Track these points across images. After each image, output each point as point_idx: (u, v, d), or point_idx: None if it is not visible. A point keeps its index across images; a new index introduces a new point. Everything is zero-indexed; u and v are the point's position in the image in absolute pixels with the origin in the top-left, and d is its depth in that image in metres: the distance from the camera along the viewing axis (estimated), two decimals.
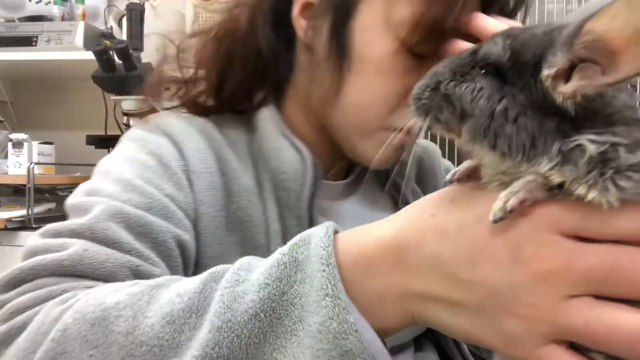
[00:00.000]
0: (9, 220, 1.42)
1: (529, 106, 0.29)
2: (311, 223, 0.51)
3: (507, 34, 0.31)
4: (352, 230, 0.35)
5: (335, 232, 0.35)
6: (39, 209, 1.54)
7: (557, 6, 1.67)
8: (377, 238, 0.33)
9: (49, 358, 0.32)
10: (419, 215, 0.33)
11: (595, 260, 0.27)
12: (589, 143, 0.27)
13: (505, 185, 0.30)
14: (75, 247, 0.40)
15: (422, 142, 0.72)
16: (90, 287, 0.37)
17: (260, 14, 0.55)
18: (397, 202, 0.62)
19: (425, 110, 0.33)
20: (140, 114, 1.62)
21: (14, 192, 1.68)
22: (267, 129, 0.54)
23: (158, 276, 0.41)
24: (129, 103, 1.60)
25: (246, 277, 0.34)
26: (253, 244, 0.51)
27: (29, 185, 1.47)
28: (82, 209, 0.44)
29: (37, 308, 0.36)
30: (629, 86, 0.31)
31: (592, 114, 0.28)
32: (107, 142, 1.70)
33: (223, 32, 0.56)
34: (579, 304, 0.27)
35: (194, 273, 0.43)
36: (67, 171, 1.82)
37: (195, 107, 0.59)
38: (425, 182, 0.67)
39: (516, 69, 0.30)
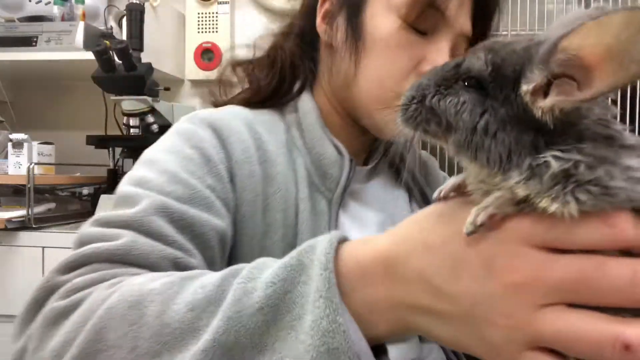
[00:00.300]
0: (9, 220, 1.42)
1: (508, 120, 0.31)
2: (340, 205, 0.60)
3: (489, 49, 0.33)
4: (355, 242, 0.38)
5: (343, 240, 0.38)
6: (39, 209, 1.54)
7: (557, 6, 1.67)
8: (372, 251, 0.36)
9: (94, 330, 0.37)
10: (409, 230, 0.36)
11: (563, 271, 0.28)
12: (554, 160, 0.29)
13: (486, 194, 0.32)
14: (126, 238, 0.45)
15: (424, 153, 0.79)
16: (136, 275, 0.43)
17: (292, 33, 0.68)
18: (409, 186, 0.72)
19: (414, 123, 0.34)
20: (140, 114, 1.62)
21: (14, 192, 1.68)
22: (310, 119, 0.63)
23: (195, 267, 0.48)
24: (129, 103, 1.60)
25: (258, 275, 0.37)
26: (287, 223, 0.57)
27: (29, 185, 1.47)
28: (131, 200, 0.49)
29: (91, 289, 0.41)
30: (609, 100, 0.32)
31: (569, 126, 0.30)
32: (107, 142, 1.70)
33: (269, 48, 0.69)
34: (552, 312, 0.28)
35: (232, 253, 0.54)
36: (67, 171, 1.82)
37: (243, 102, 0.67)
38: (432, 187, 0.73)
39: (497, 83, 0.31)
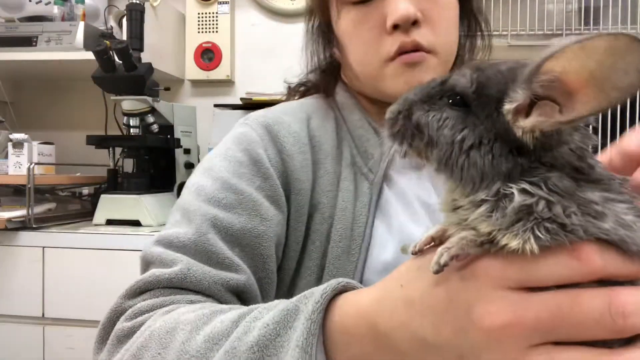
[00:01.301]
0: (9, 220, 1.42)
1: (488, 139, 0.31)
2: (382, 185, 0.64)
3: (476, 67, 0.33)
4: (351, 294, 0.39)
5: (344, 290, 0.39)
6: (39, 209, 1.54)
7: (557, 6, 1.67)
8: (357, 308, 0.37)
9: (137, 348, 0.44)
10: (391, 287, 0.36)
11: (539, 310, 0.28)
12: (518, 194, 0.29)
13: (457, 225, 0.32)
14: (181, 265, 0.51)
15: None
16: (189, 301, 0.49)
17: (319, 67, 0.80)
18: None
19: (399, 138, 0.35)
20: (140, 114, 1.62)
21: (14, 192, 1.69)
22: (348, 107, 0.70)
23: (243, 284, 0.53)
24: (129, 103, 1.60)
25: (263, 315, 0.40)
26: (330, 204, 0.61)
27: (29, 185, 1.47)
28: (187, 215, 0.56)
29: (151, 313, 0.47)
30: (590, 127, 0.32)
31: (546, 150, 0.30)
32: (107, 142, 1.70)
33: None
34: (540, 353, 0.28)
35: (287, 237, 0.59)
36: (67, 171, 1.82)
37: (299, 94, 0.79)
38: None
39: (481, 101, 0.32)
